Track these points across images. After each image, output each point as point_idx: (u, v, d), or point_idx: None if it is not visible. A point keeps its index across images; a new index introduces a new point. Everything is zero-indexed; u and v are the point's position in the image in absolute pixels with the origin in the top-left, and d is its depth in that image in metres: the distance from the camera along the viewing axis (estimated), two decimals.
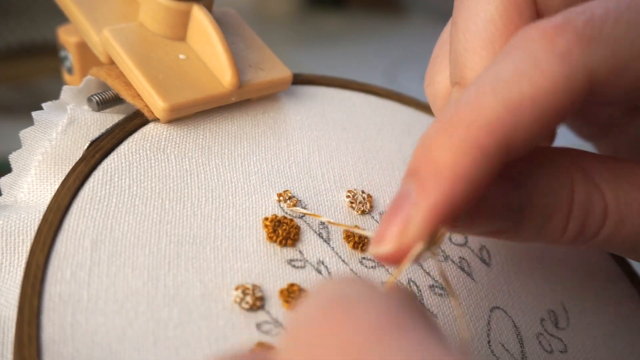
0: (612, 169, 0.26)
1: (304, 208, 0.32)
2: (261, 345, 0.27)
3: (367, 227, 0.33)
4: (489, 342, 0.32)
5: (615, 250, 0.28)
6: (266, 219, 0.31)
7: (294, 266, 0.30)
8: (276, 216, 0.31)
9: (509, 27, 0.26)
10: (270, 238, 0.30)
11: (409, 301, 0.20)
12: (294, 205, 0.32)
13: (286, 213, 0.31)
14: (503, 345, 0.32)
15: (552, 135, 0.36)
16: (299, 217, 0.31)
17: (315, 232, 0.31)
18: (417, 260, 0.22)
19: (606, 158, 0.27)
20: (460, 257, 0.34)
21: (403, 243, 0.22)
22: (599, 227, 0.26)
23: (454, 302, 0.30)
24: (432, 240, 0.22)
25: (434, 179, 0.22)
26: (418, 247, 0.22)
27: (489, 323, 0.32)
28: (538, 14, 0.27)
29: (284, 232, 0.30)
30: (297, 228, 0.31)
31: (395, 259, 0.23)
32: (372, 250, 0.23)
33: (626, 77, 0.23)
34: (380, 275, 0.31)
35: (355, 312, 0.18)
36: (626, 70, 0.23)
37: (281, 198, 0.32)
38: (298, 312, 0.19)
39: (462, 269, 0.34)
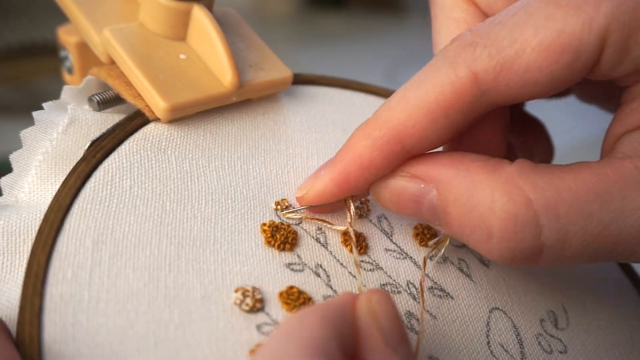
0: (549, 181, 0.27)
1: (295, 210, 0.32)
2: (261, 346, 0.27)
3: (365, 230, 0.33)
4: (488, 343, 0.32)
5: (583, 261, 0.28)
6: (264, 224, 0.31)
7: (292, 269, 0.30)
8: (274, 222, 0.31)
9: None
10: (269, 242, 0.30)
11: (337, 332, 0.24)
12: (286, 208, 0.32)
13: (283, 220, 0.31)
14: (502, 346, 0.32)
15: (535, 127, 0.37)
16: (296, 224, 0.31)
17: (313, 237, 0.31)
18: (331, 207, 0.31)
19: (544, 170, 0.27)
20: (459, 259, 0.34)
21: (308, 194, 0.31)
22: (536, 255, 0.27)
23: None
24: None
25: (342, 153, 0.30)
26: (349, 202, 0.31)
27: (488, 324, 0.32)
28: None
29: (281, 237, 0.30)
30: (295, 233, 0.31)
31: (305, 202, 0.31)
32: (295, 193, 0.32)
33: (513, 74, 0.26)
34: (379, 277, 0.31)
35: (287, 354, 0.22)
36: (511, 68, 0.26)
37: (278, 207, 0.32)
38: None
39: (461, 270, 0.34)
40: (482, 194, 0.26)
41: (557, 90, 0.27)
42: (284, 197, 0.32)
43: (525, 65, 0.26)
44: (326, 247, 0.31)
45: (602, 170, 0.26)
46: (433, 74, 0.27)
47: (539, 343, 0.33)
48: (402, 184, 0.29)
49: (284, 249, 0.30)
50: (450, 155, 0.28)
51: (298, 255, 0.30)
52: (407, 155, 0.29)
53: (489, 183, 0.26)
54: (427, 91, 0.27)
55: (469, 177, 0.27)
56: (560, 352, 0.33)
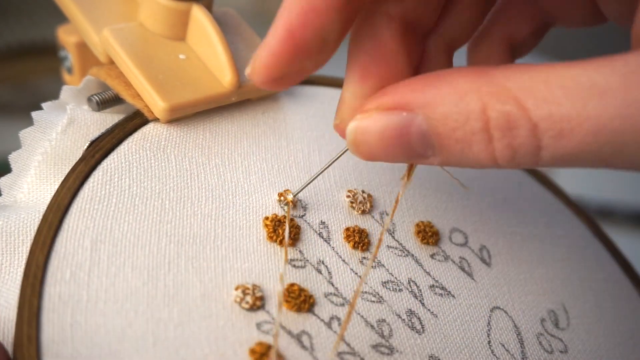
0: (537, 76, 0.25)
1: (304, 208, 0.32)
2: (261, 345, 0.26)
3: (368, 227, 0.33)
4: (489, 342, 0.32)
5: (577, 165, 0.26)
6: (266, 218, 0.31)
7: (294, 266, 0.30)
8: (276, 216, 0.31)
9: None
10: (271, 238, 0.30)
11: None
12: (294, 205, 0.32)
13: (286, 214, 0.31)
14: (503, 346, 0.32)
15: None
16: (300, 217, 0.31)
17: (316, 232, 0.31)
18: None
19: (530, 68, 0.25)
20: (460, 257, 0.34)
21: (256, 64, 0.27)
22: (533, 148, 0.25)
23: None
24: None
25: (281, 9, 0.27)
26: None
27: (489, 323, 0.32)
28: None
29: (284, 231, 0.30)
30: (298, 227, 0.31)
31: (255, 73, 0.28)
32: (246, 71, 0.28)
33: None
34: (380, 274, 0.31)
35: None
36: None
37: (282, 197, 0.32)
38: None
39: (463, 269, 0.33)
40: (471, 102, 0.24)
41: None
42: (287, 189, 0.32)
43: None
44: (329, 243, 0.31)
45: (609, 63, 0.24)
46: None
47: (540, 343, 0.33)
48: (382, 122, 0.26)
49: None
50: (422, 77, 0.26)
51: (300, 251, 0.30)
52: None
53: (475, 89, 0.25)
54: None
55: (452, 90, 0.25)
56: (561, 352, 0.33)
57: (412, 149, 0.26)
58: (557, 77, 0.24)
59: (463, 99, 0.25)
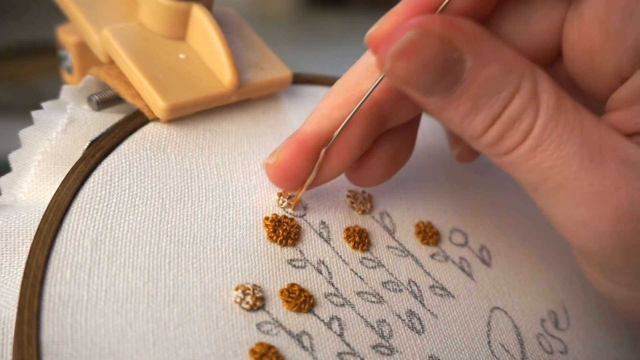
0: (560, 98, 0.27)
1: (304, 208, 0.32)
2: (261, 345, 0.26)
3: (368, 227, 0.33)
4: (489, 342, 0.32)
5: (518, 179, 0.28)
6: (267, 218, 0.31)
7: (294, 266, 0.30)
8: (276, 215, 0.31)
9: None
10: (271, 238, 0.30)
11: None
12: (295, 205, 0.32)
13: (287, 212, 0.31)
14: (503, 346, 0.32)
15: None
16: (300, 217, 0.31)
17: (316, 232, 0.31)
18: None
19: (560, 89, 0.27)
20: (460, 258, 0.34)
21: (280, 153, 0.30)
22: (517, 144, 0.27)
23: None
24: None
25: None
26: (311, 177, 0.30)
27: (489, 323, 0.32)
28: None
29: (284, 231, 0.30)
30: (298, 227, 0.31)
31: (273, 167, 0.30)
32: (264, 162, 0.31)
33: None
34: (381, 275, 0.31)
35: None
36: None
37: (282, 197, 0.32)
38: None
39: (462, 269, 0.33)
40: (513, 79, 0.26)
41: None
42: None
43: None
44: (329, 243, 0.31)
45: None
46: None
47: (540, 343, 0.33)
48: (434, 50, 0.26)
49: (286, 244, 0.30)
50: (483, 29, 0.27)
51: (300, 251, 0.30)
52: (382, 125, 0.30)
53: (518, 76, 0.26)
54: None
55: (504, 60, 0.26)
56: (561, 353, 0.33)
57: (434, 86, 0.26)
58: (571, 109, 0.26)
59: (508, 73, 0.26)
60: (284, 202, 0.31)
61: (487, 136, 0.27)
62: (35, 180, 0.30)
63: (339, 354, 0.28)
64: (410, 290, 0.31)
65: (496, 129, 0.27)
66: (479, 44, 0.26)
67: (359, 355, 0.28)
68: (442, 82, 0.26)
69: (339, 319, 0.29)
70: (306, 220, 0.31)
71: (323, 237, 0.31)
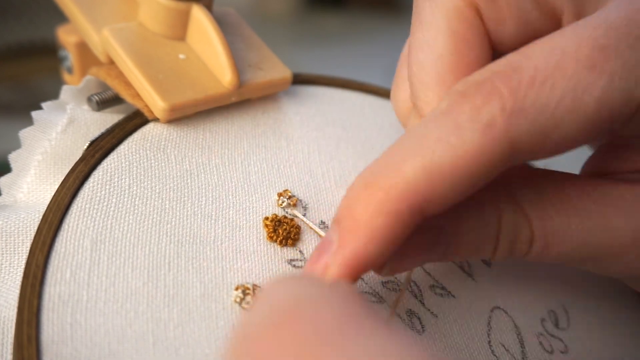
0: (542, 192, 0.27)
1: (304, 207, 0.32)
2: None
3: None
4: (489, 342, 0.32)
5: (552, 262, 0.29)
6: (266, 218, 0.31)
7: (294, 266, 0.30)
8: (276, 216, 0.31)
9: (459, 63, 0.26)
10: (271, 238, 0.30)
11: (357, 295, 0.20)
12: (294, 205, 0.32)
13: (287, 213, 0.31)
14: (503, 346, 0.32)
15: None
16: (301, 216, 0.31)
17: (316, 232, 0.31)
18: None
19: (539, 179, 0.27)
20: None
21: None
22: (526, 252, 0.27)
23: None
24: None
25: (351, 234, 0.23)
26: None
27: (489, 323, 0.32)
28: (492, 46, 0.28)
29: (284, 231, 0.30)
30: (298, 228, 0.31)
31: None
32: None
33: (549, 142, 0.24)
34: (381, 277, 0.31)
35: (309, 316, 0.18)
36: (549, 136, 0.23)
37: (281, 197, 0.32)
38: (247, 323, 0.18)
39: (463, 269, 0.33)
40: (490, 214, 0.27)
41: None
42: (286, 189, 0.32)
43: (564, 136, 0.23)
44: None
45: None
46: (463, 140, 0.23)
47: (540, 343, 0.33)
48: (420, 240, 0.27)
49: (285, 245, 0.30)
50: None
51: (300, 251, 0.30)
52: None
53: (495, 205, 0.27)
54: (457, 161, 0.23)
55: (473, 205, 0.27)
56: (561, 352, 0.33)
57: (430, 257, 0.27)
58: (554, 193, 0.27)
59: (484, 212, 0.27)
60: (283, 202, 0.31)
61: (498, 257, 0.28)
62: (35, 181, 0.30)
63: None
64: (410, 289, 0.31)
65: (502, 251, 0.27)
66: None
67: None
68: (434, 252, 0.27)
69: None
70: (307, 220, 0.31)
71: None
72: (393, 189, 0.23)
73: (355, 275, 0.24)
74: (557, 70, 0.23)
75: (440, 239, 0.26)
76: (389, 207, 0.23)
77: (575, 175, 0.28)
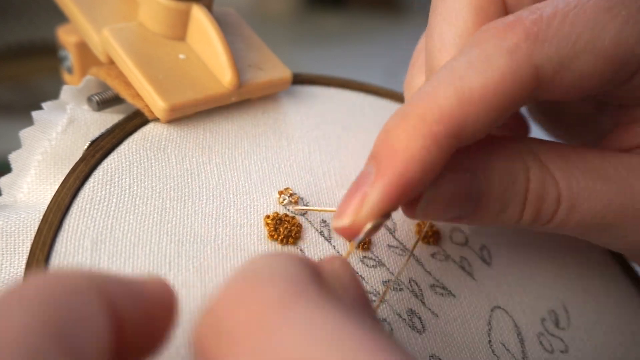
0: (565, 156, 0.28)
1: (305, 206, 0.32)
2: None
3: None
4: (489, 341, 0.32)
5: (569, 233, 0.30)
6: (267, 216, 0.31)
7: None
8: (277, 214, 0.31)
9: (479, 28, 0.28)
10: (272, 236, 0.30)
11: (314, 271, 0.21)
12: (296, 203, 0.32)
13: (288, 211, 0.31)
14: (504, 345, 0.32)
15: (523, 127, 0.38)
16: (301, 215, 0.31)
17: (317, 231, 0.31)
18: (369, 235, 0.25)
19: (560, 146, 0.29)
20: (461, 257, 0.34)
21: (358, 218, 0.25)
22: (553, 213, 0.28)
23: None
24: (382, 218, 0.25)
25: (389, 161, 0.24)
26: (368, 225, 0.25)
27: (489, 323, 0.32)
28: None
29: (285, 230, 0.30)
30: (299, 226, 0.31)
31: (351, 233, 0.25)
32: (333, 224, 0.26)
33: (568, 74, 0.25)
34: (382, 274, 0.31)
35: (260, 288, 0.19)
36: (569, 67, 0.25)
37: (282, 195, 0.32)
38: (218, 291, 0.20)
39: (463, 269, 0.33)
40: (520, 171, 0.27)
41: (592, 94, 0.27)
42: (287, 187, 0.32)
43: (581, 69, 0.25)
44: (330, 242, 0.31)
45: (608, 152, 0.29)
46: (491, 63, 0.25)
47: (541, 342, 0.33)
48: (455, 181, 0.27)
49: (287, 243, 0.30)
50: (480, 143, 0.28)
51: (301, 249, 0.30)
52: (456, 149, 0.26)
53: (522, 162, 0.28)
54: (486, 82, 0.25)
55: (506, 158, 0.28)
56: (562, 352, 0.33)
57: (461, 209, 0.28)
58: (577, 158, 0.28)
59: (513, 166, 0.27)
60: (284, 199, 0.31)
61: (524, 220, 0.28)
62: (35, 181, 0.30)
63: None
64: (410, 289, 0.31)
65: (529, 212, 0.28)
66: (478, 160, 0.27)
67: None
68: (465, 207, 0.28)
69: None
70: (307, 219, 0.31)
71: (324, 236, 0.31)
72: (429, 114, 0.24)
73: (395, 201, 0.24)
74: (577, 9, 0.25)
75: (473, 188, 0.27)
76: (425, 130, 0.24)
77: (594, 147, 0.29)
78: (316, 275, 0.21)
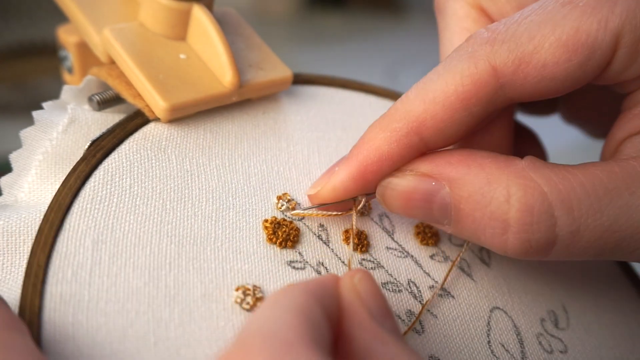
0: (563, 175, 0.27)
1: (303, 210, 0.32)
2: None
3: (367, 228, 0.33)
4: (488, 342, 0.32)
5: (577, 259, 0.29)
6: (266, 220, 0.31)
7: (294, 267, 0.30)
8: (276, 218, 0.31)
9: None
10: (270, 239, 0.30)
11: (311, 322, 0.22)
12: (293, 209, 0.32)
13: (285, 216, 0.31)
14: (503, 346, 0.32)
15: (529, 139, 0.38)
16: (299, 220, 0.31)
17: (315, 234, 0.31)
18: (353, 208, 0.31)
19: (557, 167, 0.28)
20: (460, 257, 0.34)
21: (323, 189, 0.30)
22: (552, 244, 0.27)
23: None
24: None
25: (357, 149, 0.30)
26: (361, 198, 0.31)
27: (488, 323, 0.32)
28: None
29: (283, 233, 0.30)
30: (297, 230, 0.31)
31: (318, 199, 0.31)
32: (307, 191, 0.32)
33: (531, 67, 0.27)
34: (380, 276, 0.31)
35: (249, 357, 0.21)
36: (530, 61, 0.27)
37: (280, 201, 0.32)
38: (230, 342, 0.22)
39: (462, 270, 0.34)
40: (497, 188, 0.27)
41: (570, 89, 0.28)
42: (285, 192, 0.32)
43: (543, 60, 0.27)
44: (328, 245, 0.31)
45: (610, 168, 0.27)
46: (452, 67, 0.28)
47: (540, 343, 0.33)
48: (412, 184, 0.29)
49: (285, 246, 0.30)
50: (459, 152, 0.29)
51: (299, 253, 0.30)
52: (424, 149, 0.29)
53: (504, 178, 0.27)
54: (446, 83, 0.28)
55: (482, 173, 0.27)
56: (561, 352, 0.33)
57: (431, 214, 0.29)
58: (577, 178, 0.27)
59: (490, 183, 0.27)
60: (282, 205, 0.31)
61: (512, 250, 0.27)
62: (36, 180, 0.30)
63: None
64: (409, 290, 0.31)
65: (511, 239, 0.27)
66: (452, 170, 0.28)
67: None
68: (432, 211, 0.29)
69: None
70: (305, 223, 0.31)
71: (322, 240, 0.31)
72: (395, 114, 0.29)
73: (356, 182, 0.29)
74: (539, 9, 0.28)
75: (435, 195, 0.29)
76: (390, 126, 0.29)
77: (592, 162, 0.29)
78: (311, 327, 0.22)
